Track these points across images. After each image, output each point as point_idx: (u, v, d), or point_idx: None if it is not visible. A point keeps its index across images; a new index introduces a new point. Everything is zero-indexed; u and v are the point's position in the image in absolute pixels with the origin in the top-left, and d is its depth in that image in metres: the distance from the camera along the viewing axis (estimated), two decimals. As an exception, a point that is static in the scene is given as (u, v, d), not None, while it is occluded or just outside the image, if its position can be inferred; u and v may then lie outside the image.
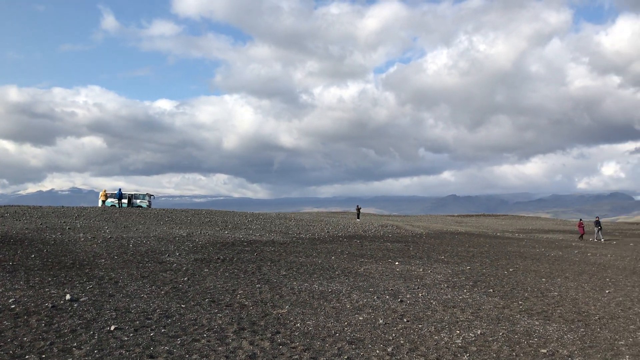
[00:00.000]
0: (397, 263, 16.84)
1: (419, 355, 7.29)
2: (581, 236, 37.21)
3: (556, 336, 8.54)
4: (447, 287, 12.73)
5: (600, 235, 35.88)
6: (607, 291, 13.08)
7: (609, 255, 22.69)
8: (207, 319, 8.52)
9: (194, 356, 6.79)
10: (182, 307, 9.22)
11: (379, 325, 8.71)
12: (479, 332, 8.57)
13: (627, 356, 7.60)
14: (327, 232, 28.02)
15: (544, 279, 14.72)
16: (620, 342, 8.31)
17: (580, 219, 40.69)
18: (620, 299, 12.11)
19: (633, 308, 11.06)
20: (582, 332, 8.89)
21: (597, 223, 36.64)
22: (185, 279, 12.03)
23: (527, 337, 8.39)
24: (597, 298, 12.09)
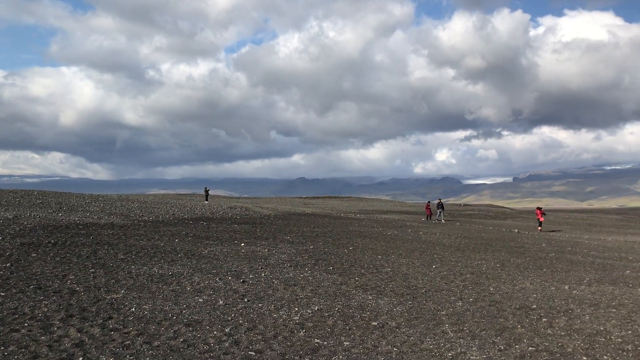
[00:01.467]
0: (242, 244, 16.84)
1: (256, 333, 7.36)
2: (428, 217, 40.22)
3: (387, 309, 9.11)
4: (290, 266, 13.00)
5: (442, 216, 39.06)
6: (434, 266, 14.26)
7: (437, 234, 24.73)
8: (30, 307, 7.82)
9: (11, 348, 6.19)
10: (0, 296, 8.37)
11: (219, 306, 8.64)
12: (316, 308, 8.87)
13: (447, 324, 8.34)
14: (173, 214, 27.20)
15: (379, 256, 15.64)
16: (441, 312, 9.09)
17: (429, 201, 43.41)
18: (445, 273, 13.27)
19: (455, 281, 12.16)
20: (410, 304, 9.59)
21: (440, 205, 39.83)
22: (8, 264, 10.94)
23: (361, 311, 8.86)
24: (425, 273, 13.12)
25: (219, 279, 10.85)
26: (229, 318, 8.02)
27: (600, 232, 39.05)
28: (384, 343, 7.31)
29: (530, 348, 7.27)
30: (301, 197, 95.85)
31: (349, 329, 7.82)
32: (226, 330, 7.41)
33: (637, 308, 9.98)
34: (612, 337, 7.86)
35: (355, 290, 10.56)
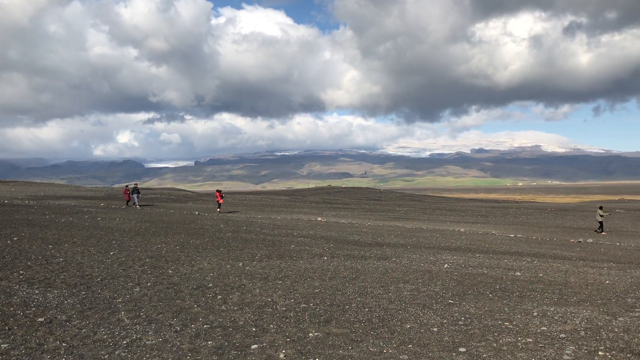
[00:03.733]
0: None
1: None
2: (127, 202, 37.99)
3: (56, 303, 8.36)
4: None
5: (137, 201, 37.18)
6: (111, 253, 13.65)
7: (117, 219, 23.82)
8: None
9: None
10: None
11: None
12: (-34, 311, 7.60)
13: (123, 312, 8.06)
14: None
15: (50, 246, 14.28)
16: (118, 300, 8.75)
17: (127, 185, 40.93)
18: (123, 259, 12.83)
19: (133, 267, 11.86)
20: (84, 295, 8.98)
21: (135, 190, 37.66)
22: None
23: (24, 308, 7.93)
24: (102, 260, 12.47)
25: None
26: None
27: (272, 212, 43.04)
28: (51, 339, 6.68)
29: (205, 326, 7.53)
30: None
31: (9, 329, 6.92)
32: None
33: (299, 278, 11.25)
34: (278, 307, 8.69)
35: (19, 285, 9.41)
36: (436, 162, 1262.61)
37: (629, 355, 6.62)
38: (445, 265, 14.12)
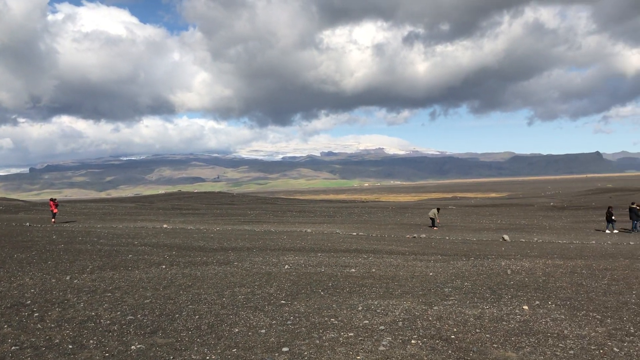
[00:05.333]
0: None
1: None
2: None
3: None
4: None
5: None
6: None
7: None
8: None
9: None
10: None
11: None
12: None
13: None
14: None
15: None
16: None
17: None
18: None
19: (-64, 287, 10.54)
20: None
21: None
22: None
23: None
24: None
25: None
26: None
27: (114, 220, 40.84)
28: None
29: (13, 347, 6.88)
30: None
31: None
32: None
33: (130, 289, 10.75)
34: (102, 321, 8.21)
35: None
36: (289, 165, 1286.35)
37: (438, 341, 7.19)
38: (286, 267, 14.36)
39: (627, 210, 34.41)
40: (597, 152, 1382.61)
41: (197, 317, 8.50)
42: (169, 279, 12.06)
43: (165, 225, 34.40)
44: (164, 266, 14.32)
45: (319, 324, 8.00)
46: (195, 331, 7.69)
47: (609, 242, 26.15)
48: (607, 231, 32.65)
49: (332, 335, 7.44)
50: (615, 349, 6.93)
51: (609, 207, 34.53)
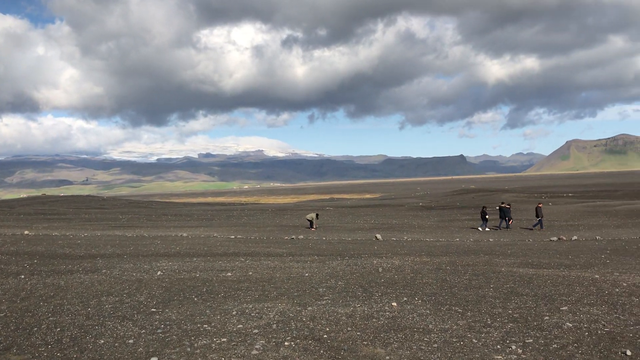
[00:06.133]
0: None
1: None
2: None
3: None
4: None
5: None
6: None
7: None
8: None
9: None
10: None
11: None
12: None
13: None
14: None
15: None
16: None
17: None
18: None
19: None
20: None
21: None
22: None
23: None
24: None
25: None
26: None
27: (-35, 228, 37.09)
28: None
29: None
30: None
31: None
32: None
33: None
34: (-56, 340, 7.39)
35: None
36: (164, 167, 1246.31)
37: (310, 341, 7.28)
38: (159, 273, 13.84)
39: (497, 209, 37.12)
40: (462, 155, 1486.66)
41: (58, 329, 7.92)
42: (28, 290, 11.15)
43: (26, 232, 31.81)
44: (22, 276, 13.23)
45: (191, 331, 7.78)
46: (56, 345, 7.16)
47: (471, 240, 28.07)
48: (480, 229, 34.97)
49: (205, 341, 7.26)
50: (474, 340, 7.42)
51: (484, 207, 37.06)
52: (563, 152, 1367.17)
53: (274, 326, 8.04)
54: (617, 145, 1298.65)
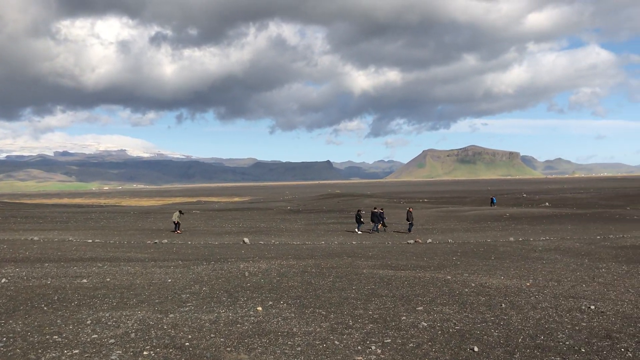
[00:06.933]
0: None
1: None
2: None
3: None
4: None
5: None
6: None
7: None
8: None
9: None
10: None
11: None
12: None
13: None
14: None
15: None
16: None
17: None
18: None
19: None
20: None
21: None
22: None
23: None
24: None
25: None
26: None
27: None
28: None
29: None
30: None
31: None
32: None
33: None
34: None
35: None
36: (15, 164, 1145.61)
37: (171, 350, 7.02)
38: (3, 280, 12.61)
39: (370, 213, 38.41)
40: (328, 161, 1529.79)
41: None
42: None
43: None
44: None
45: (38, 343, 7.16)
46: None
47: (336, 243, 28.88)
48: (356, 230, 35.99)
49: (54, 354, 6.71)
50: (336, 341, 7.60)
51: (359, 210, 38.19)
52: (420, 161, 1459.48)
53: (133, 335, 7.65)
54: (468, 156, 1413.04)
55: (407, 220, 36.03)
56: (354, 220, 38.35)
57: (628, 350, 7.32)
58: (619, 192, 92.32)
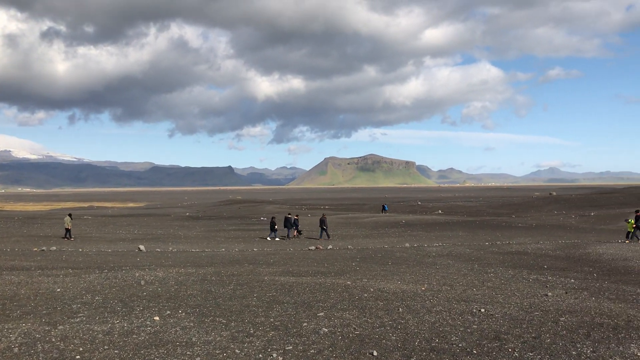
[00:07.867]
0: None
1: None
2: None
3: None
4: None
5: None
6: None
7: None
8: None
9: None
10: None
11: None
12: None
13: None
14: None
15: None
16: None
17: None
18: None
19: None
20: None
21: None
22: None
23: None
24: None
25: None
26: None
27: None
28: None
29: None
30: None
31: None
32: None
33: None
34: None
35: None
36: None
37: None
38: None
39: (283, 219, 38.02)
40: (230, 167, 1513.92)
41: None
42: None
43: None
44: None
45: None
46: None
47: (236, 250, 28.54)
48: (269, 238, 35.47)
49: None
50: (237, 350, 7.49)
51: (272, 217, 37.69)
52: (322, 168, 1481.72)
53: (16, 350, 7.11)
54: (367, 164, 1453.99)
55: (320, 226, 36.10)
56: (269, 227, 37.84)
57: (515, 351, 7.81)
58: (505, 201, 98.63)
